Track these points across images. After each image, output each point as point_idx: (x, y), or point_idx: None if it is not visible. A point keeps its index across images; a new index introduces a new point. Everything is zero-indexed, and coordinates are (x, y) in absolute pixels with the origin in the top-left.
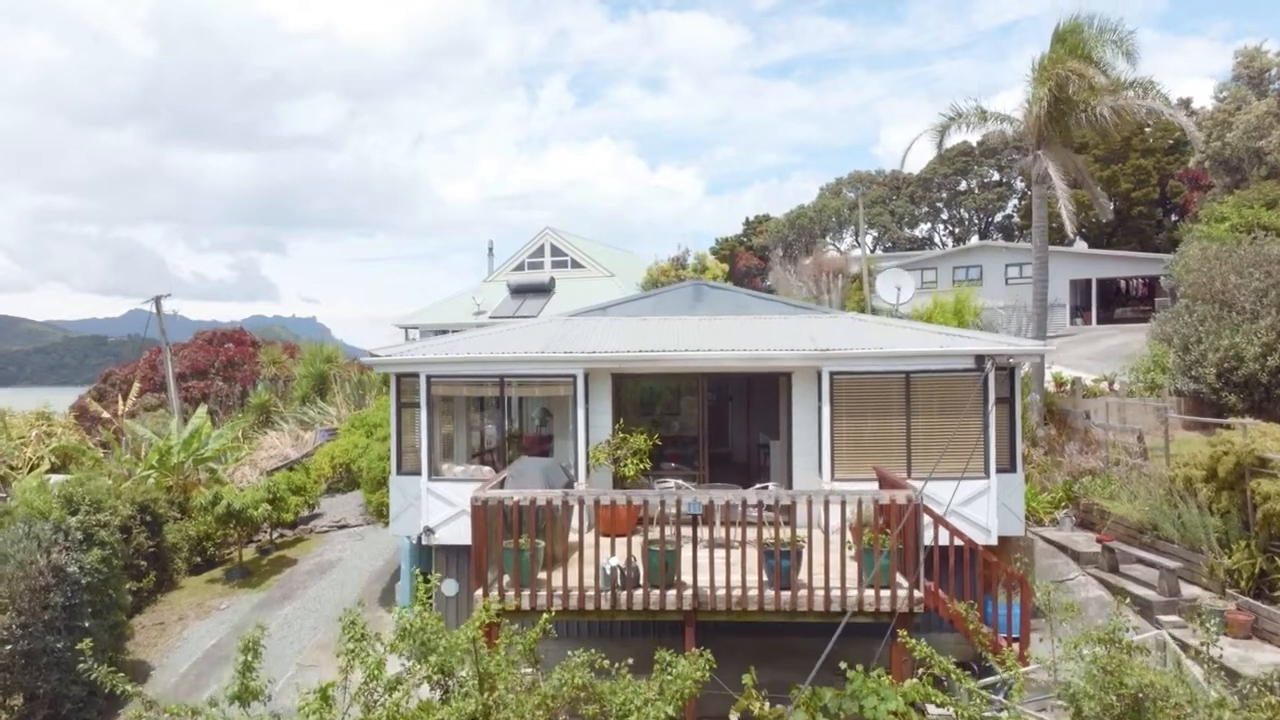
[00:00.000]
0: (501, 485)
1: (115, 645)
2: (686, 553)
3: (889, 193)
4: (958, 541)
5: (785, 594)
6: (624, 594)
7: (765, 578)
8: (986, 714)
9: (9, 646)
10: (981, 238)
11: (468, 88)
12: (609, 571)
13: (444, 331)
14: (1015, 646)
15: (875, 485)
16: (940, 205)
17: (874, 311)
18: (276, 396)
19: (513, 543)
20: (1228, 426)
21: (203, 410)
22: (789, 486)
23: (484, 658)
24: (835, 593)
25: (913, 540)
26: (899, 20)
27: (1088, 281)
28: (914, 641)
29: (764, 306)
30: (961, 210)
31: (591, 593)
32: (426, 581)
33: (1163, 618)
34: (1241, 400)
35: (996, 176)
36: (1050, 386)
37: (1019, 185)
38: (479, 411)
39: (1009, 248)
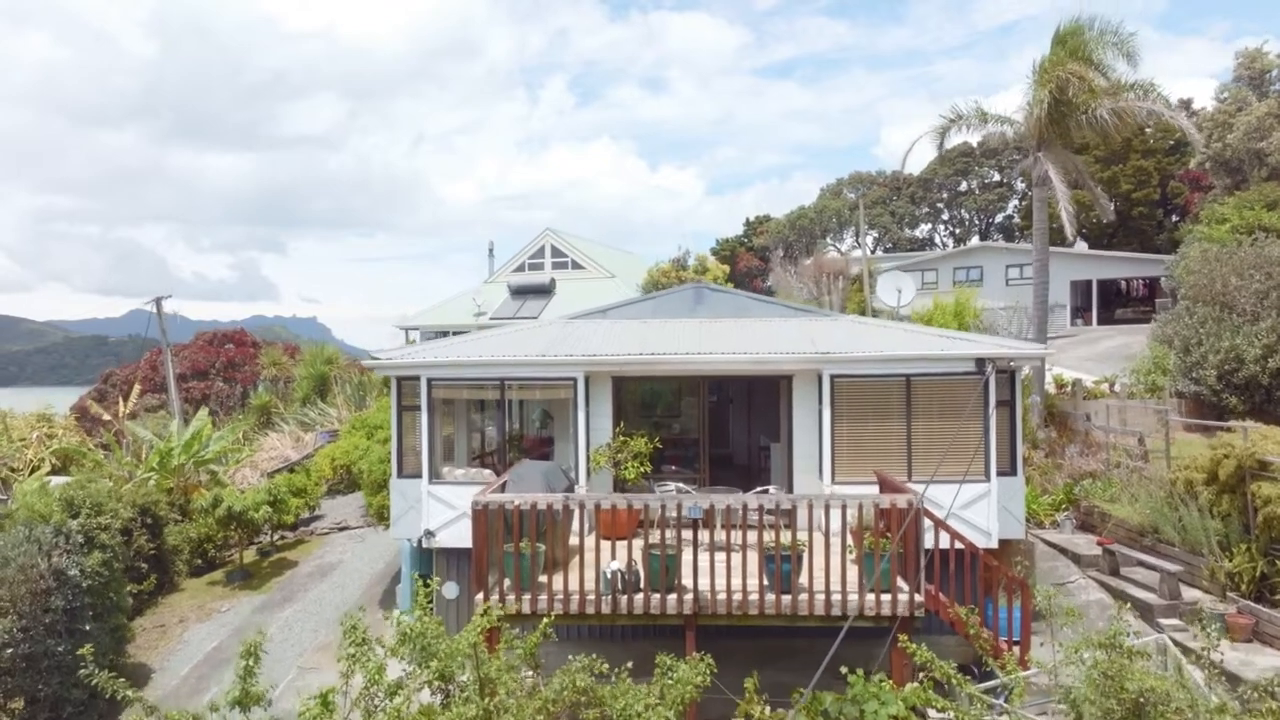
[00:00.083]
0: (502, 489)
1: (116, 648)
2: (687, 556)
3: (889, 193)
4: (958, 545)
5: (786, 598)
6: (624, 598)
7: (766, 581)
8: (987, 718)
9: (10, 650)
10: (982, 238)
11: (468, 88)
12: (609, 575)
13: (445, 333)
14: (1016, 650)
15: (876, 488)
16: (941, 206)
17: (874, 313)
18: (277, 398)
19: (513, 547)
20: (1228, 429)
21: (204, 412)
22: (790, 489)
23: (485, 663)
24: (836, 597)
25: (913, 544)
26: (900, 20)
27: (1088, 282)
28: (914, 646)
29: (765, 309)
30: (962, 211)
31: (592, 597)
32: (427, 586)
33: (1163, 621)
34: (1242, 402)
35: (997, 177)
36: (1051, 388)
37: (1019, 186)
38: (480, 414)
39: (1009, 248)
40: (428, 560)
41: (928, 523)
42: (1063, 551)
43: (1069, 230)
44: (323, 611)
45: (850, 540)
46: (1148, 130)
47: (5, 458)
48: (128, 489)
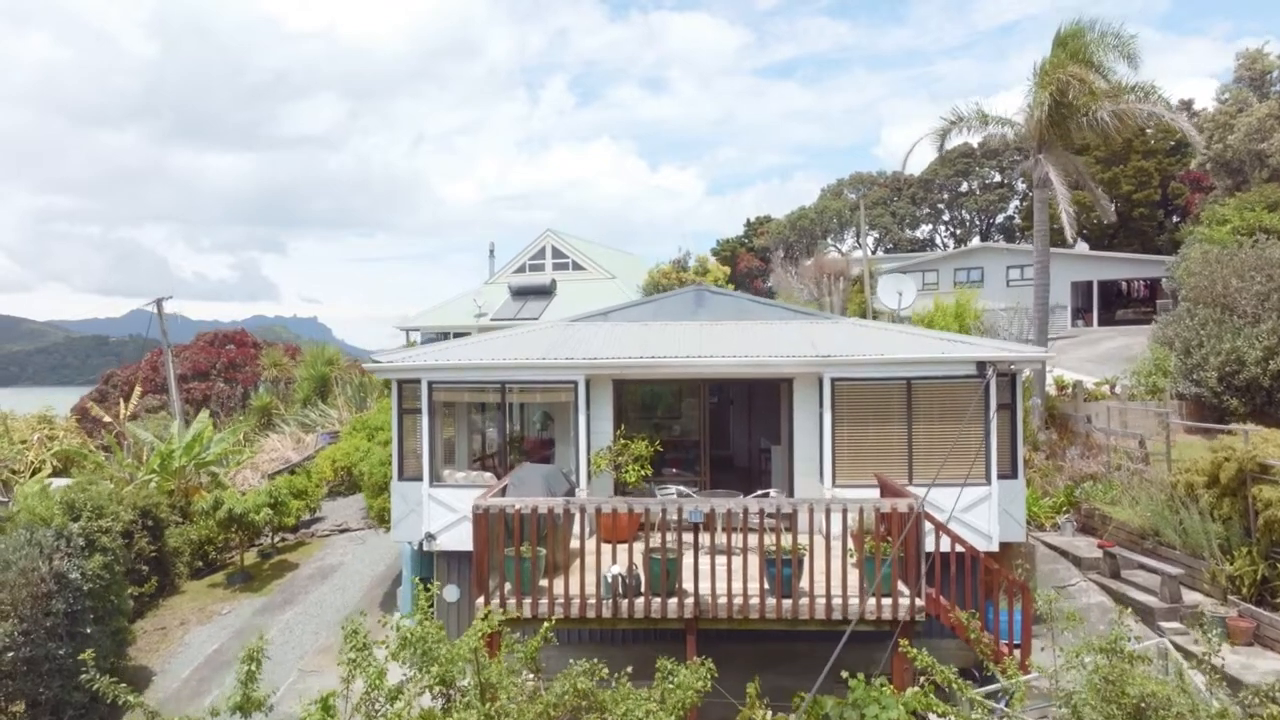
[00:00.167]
0: (503, 493)
1: (117, 651)
2: (688, 560)
3: (890, 194)
4: (959, 548)
5: (787, 602)
6: (625, 602)
7: (766, 586)
8: None
9: (11, 653)
10: (983, 239)
11: (468, 88)
12: (610, 580)
13: (445, 334)
14: (1016, 654)
15: (877, 492)
16: (941, 206)
17: (875, 314)
18: (278, 399)
19: (514, 551)
20: (1229, 432)
21: (204, 414)
22: (790, 492)
23: (485, 667)
24: (837, 601)
25: (914, 548)
26: (900, 21)
27: (1089, 283)
28: (915, 651)
29: (765, 311)
30: (963, 211)
31: (593, 601)
32: (427, 590)
33: (1164, 624)
34: (1243, 404)
35: (998, 178)
36: (1052, 390)
37: (1020, 187)
38: (480, 416)
39: (1010, 249)
40: (429, 563)
41: (928, 526)
42: (1063, 554)
43: (1069, 233)
44: (323, 614)
45: (851, 544)
46: (1148, 131)
47: (6, 460)
48: (129, 491)
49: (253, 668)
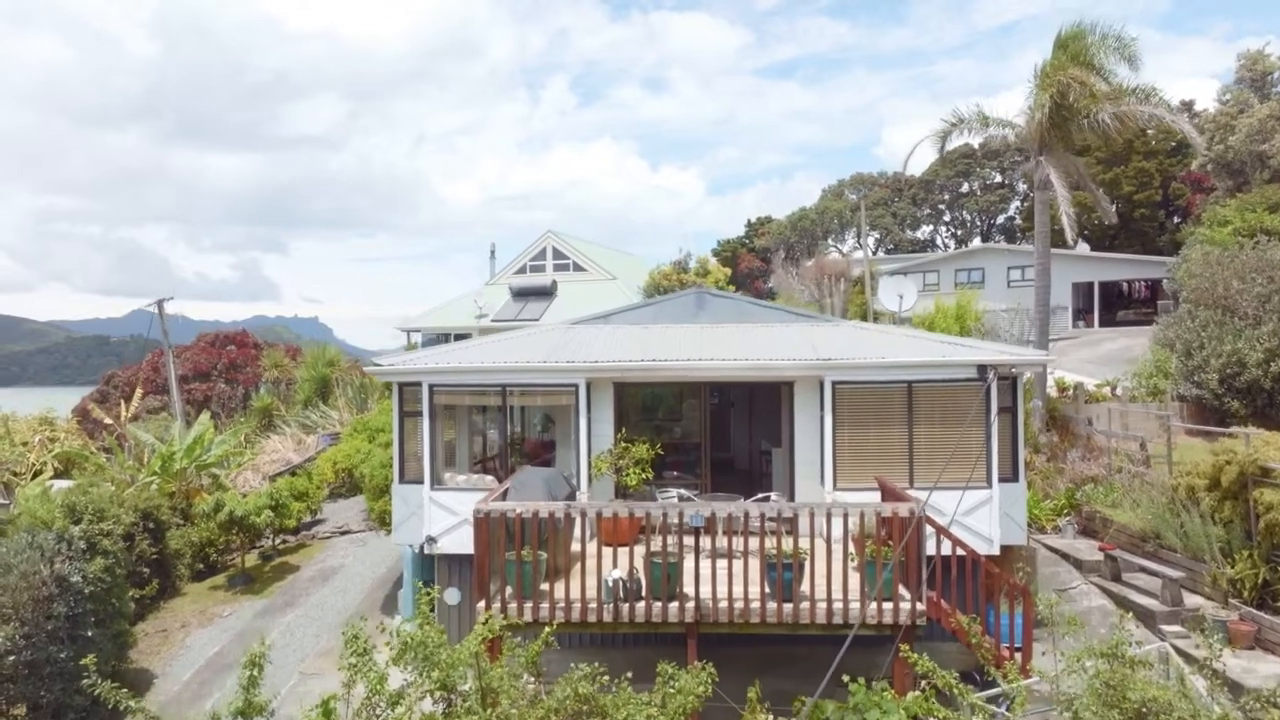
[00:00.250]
0: (504, 496)
1: (118, 654)
2: (689, 564)
3: (891, 194)
4: (960, 551)
5: (787, 606)
6: (626, 606)
7: (767, 590)
8: None
9: (12, 657)
10: (983, 240)
11: (469, 88)
12: (611, 584)
13: (446, 335)
14: (1017, 657)
15: (877, 495)
16: (942, 207)
17: (876, 316)
18: (279, 400)
19: (515, 555)
20: (1231, 435)
21: (205, 415)
22: (791, 495)
23: (486, 672)
24: (838, 605)
25: (915, 552)
26: (901, 21)
27: (1090, 284)
28: (916, 656)
29: (766, 314)
30: (963, 212)
31: (594, 605)
32: (428, 593)
33: (1165, 627)
34: (1244, 406)
35: (999, 179)
36: (1053, 392)
37: (1021, 187)
38: (482, 419)
39: (1011, 250)
40: (429, 566)
41: (929, 529)
42: (1064, 557)
43: (1070, 236)
44: (324, 616)
45: (852, 548)
46: (1149, 132)
47: (8, 463)
48: (130, 493)
49: (255, 673)
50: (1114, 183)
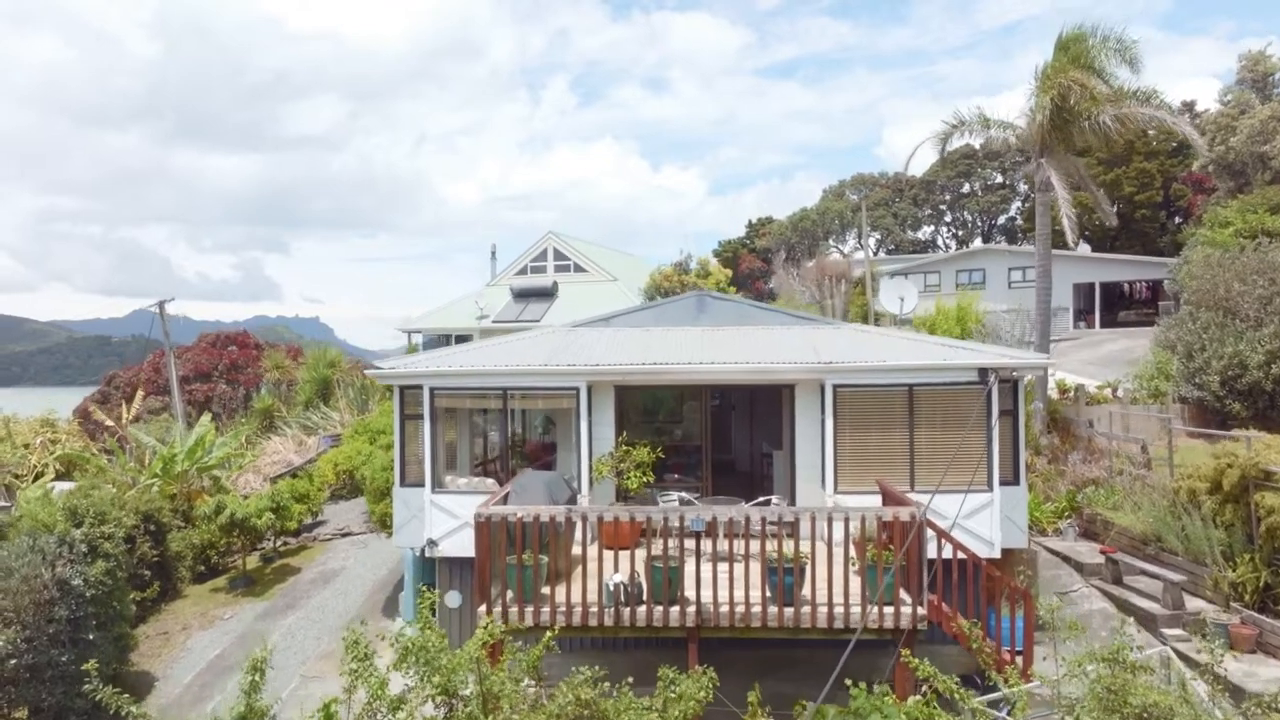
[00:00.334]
0: (505, 500)
1: (119, 657)
2: (689, 567)
3: (892, 195)
4: (961, 555)
5: (788, 610)
6: (627, 610)
7: (768, 593)
8: None
9: (14, 661)
10: (984, 240)
11: (470, 88)
12: (612, 588)
13: (447, 336)
14: (1019, 661)
15: (878, 499)
16: (943, 208)
17: (877, 317)
18: (280, 401)
19: (516, 558)
20: (1232, 438)
21: (206, 417)
22: (792, 499)
23: (487, 677)
24: (839, 609)
25: (916, 556)
26: (902, 21)
27: (1091, 285)
28: (917, 661)
29: (767, 317)
30: (964, 213)
31: (595, 609)
32: (430, 597)
33: (1167, 631)
34: (1245, 408)
35: (1000, 179)
36: (1054, 393)
37: (1022, 188)
38: (483, 421)
39: (1012, 251)
40: (430, 568)
41: (930, 533)
42: (1065, 560)
43: (1071, 237)
44: (325, 619)
45: (853, 552)
46: (1150, 133)
47: (9, 465)
48: (131, 495)
49: (256, 678)
50: (1115, 183)
